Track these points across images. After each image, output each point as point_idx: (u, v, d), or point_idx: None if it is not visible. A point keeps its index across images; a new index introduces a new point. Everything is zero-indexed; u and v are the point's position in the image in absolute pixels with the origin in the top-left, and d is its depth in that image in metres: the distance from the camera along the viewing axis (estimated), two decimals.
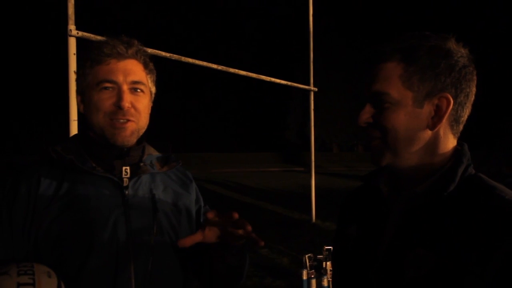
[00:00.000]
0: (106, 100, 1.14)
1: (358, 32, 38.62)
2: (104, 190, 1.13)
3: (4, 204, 1.09)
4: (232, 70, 3.57)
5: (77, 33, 3.14)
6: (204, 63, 3.29)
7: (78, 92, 1.21)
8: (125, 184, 1.16)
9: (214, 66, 3.40)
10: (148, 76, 1.22)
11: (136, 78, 1.17)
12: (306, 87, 4.65)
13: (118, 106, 1.13)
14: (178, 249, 1.13)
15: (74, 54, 2.95)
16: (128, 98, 1.14)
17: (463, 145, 0.96)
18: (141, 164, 1.23)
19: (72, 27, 3.08)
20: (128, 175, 1.18)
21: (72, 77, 2.85)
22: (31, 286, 0.94)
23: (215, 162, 30.59)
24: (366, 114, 0.94)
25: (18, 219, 1.08)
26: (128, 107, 1.15)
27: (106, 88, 1.14)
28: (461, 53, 0.91)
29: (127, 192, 1.15)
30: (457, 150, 0.95)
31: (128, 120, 1.15)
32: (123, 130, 1.15)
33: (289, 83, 4.48)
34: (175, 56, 2.92)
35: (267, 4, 40.24)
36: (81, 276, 1.05)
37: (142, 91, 1.19)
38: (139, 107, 1.17)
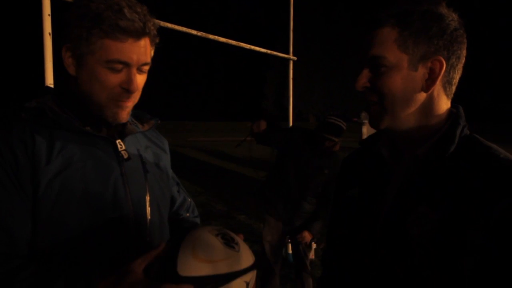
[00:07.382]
0: (113, 81, 1.07)
1: (339, 2, 38.27)
2: (98, 150, 1.12)
3: (4, 166, 1.00)
4: (211, 36, 3.52)
5: None
6: (184, 29, 3.24)
7: (71, 50, 1.06)
8: (120, 148, 1.16)
9: (194, 32, 3.35)
10: (152, 50, 1.15)
11: (147, 60, 1.10)
12: (286, 55, 4.64)
13: (127, 89, 1.08)
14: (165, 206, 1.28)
15: (49, 15, 2.85)
16: (137, 82, 1.09)
17: (458, 107, 1.01)
18: (128, 123, 1.22)
19: None
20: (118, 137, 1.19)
21: (47, 40, 2.75)
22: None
23: (191, 131, 30.42)
24: (364, 78, 0.98)
25: (24, 181, 1.01)
26: (137, 90, 1.10)
27: (116, 69, 1.06)
28: (452, 16, 0.95)
29: (120, 153, 1.16)
30: (452, 112, 1.00)
31: (130, 101, 1.12)
32: (125, 109, 1.11)
33: (268, 51, 4.46)
34: (155, 21, 2.86)
35: None
36: (85, 234, 1.05)
37: (146, 71, 1.14)
38: (141, 86, 1.13)
